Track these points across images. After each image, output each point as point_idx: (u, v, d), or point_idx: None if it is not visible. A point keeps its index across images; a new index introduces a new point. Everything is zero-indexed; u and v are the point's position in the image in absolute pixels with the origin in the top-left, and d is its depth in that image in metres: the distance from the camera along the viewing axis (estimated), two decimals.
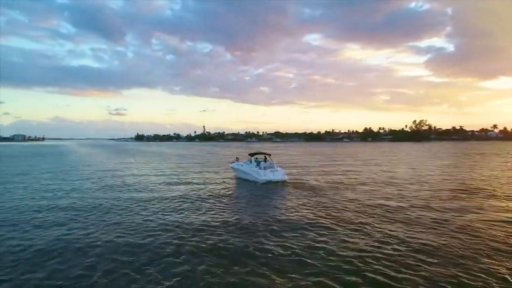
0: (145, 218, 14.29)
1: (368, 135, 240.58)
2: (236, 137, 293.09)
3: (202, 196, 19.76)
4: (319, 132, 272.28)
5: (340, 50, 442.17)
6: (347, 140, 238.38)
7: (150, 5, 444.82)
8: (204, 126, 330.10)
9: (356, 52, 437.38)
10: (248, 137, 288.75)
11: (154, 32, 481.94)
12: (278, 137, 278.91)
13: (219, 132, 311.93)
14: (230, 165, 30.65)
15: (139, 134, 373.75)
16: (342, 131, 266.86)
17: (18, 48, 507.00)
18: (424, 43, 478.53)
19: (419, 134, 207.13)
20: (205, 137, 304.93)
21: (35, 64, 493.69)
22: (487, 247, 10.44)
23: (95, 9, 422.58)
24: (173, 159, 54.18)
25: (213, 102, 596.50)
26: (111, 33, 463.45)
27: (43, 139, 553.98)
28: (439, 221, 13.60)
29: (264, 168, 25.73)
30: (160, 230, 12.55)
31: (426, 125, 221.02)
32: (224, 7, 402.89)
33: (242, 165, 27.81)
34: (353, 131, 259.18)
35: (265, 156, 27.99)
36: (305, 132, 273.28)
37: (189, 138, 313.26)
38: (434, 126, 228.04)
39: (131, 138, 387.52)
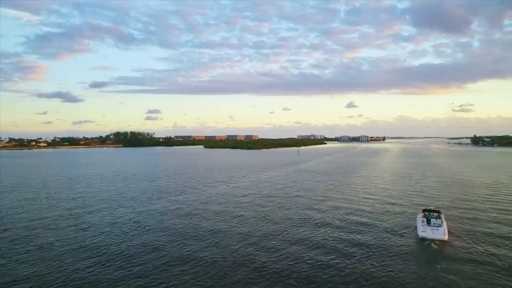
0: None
1: None
2: None
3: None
4: None
5: None
6: None
7: None
8: None
9: None
10: None
11: (506, 11, 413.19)
12: None
13: None
14: (417, 216, 31.89)
15: (476, 135, 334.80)
16: None
17: (367, 57, 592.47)
18: None
19: None
20: None
21: (380, 69, 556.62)
22: None
23: (436, 5, 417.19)
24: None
25: None
26: (454, 25, 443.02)
27: (383, 139, 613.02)
28: None
29: (433, 225, 27.01)
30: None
31: None
32: None
33: (417, 218, 29.78)
34: None
35: (438, 213, 28.72)
36: None
37: None
38: None
39: (466, 138, 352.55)
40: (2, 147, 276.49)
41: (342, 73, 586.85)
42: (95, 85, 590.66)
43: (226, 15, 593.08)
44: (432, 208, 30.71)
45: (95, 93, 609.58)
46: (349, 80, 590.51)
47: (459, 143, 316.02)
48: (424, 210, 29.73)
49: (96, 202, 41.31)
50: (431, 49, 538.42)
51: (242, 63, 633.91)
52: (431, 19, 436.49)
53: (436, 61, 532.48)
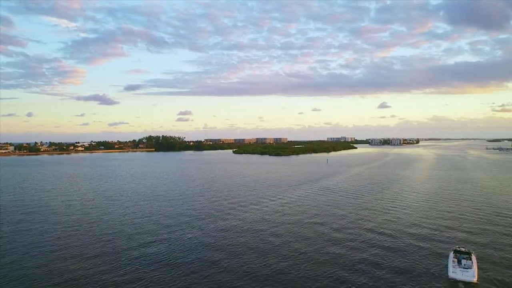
0: None
1: None
2: None
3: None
4: None
5: None
6: None
7: None
8: None
9: None
10: None
11: None
12: None
13: None
14: (449, 254, 31.16)
15: None
16: None
17: (399, 56, 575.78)
18: None
19: None
20: None
21: (413, 69, 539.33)
22: None
23: (472, 0, 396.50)
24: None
25: None
26: (492, 21, 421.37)
27: (417, 141, 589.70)
28: None
29: (463, 266, 27.02)
30: None
31: None
32: None
33: (449, 257, 29.26)
34: None
35: (469, 255, 28.68)
36: None
37: None
38: None
39: (508, 140, 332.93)
40: (43, 151, 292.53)
41: (373, 73, 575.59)
42: (129, 88, 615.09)
43: (254, 17, 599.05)
44: (463, 249, 30.17)
45: (129, 95, 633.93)
46: (380, 80, 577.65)
47: (499, 148, 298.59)
48: (455, 251, 29.64)
49: (130, 225, 43.66)
50: (468, 47, 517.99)
51: (271, 64, 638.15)
52: (467, 15, 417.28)
53: (473, 59, 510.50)
